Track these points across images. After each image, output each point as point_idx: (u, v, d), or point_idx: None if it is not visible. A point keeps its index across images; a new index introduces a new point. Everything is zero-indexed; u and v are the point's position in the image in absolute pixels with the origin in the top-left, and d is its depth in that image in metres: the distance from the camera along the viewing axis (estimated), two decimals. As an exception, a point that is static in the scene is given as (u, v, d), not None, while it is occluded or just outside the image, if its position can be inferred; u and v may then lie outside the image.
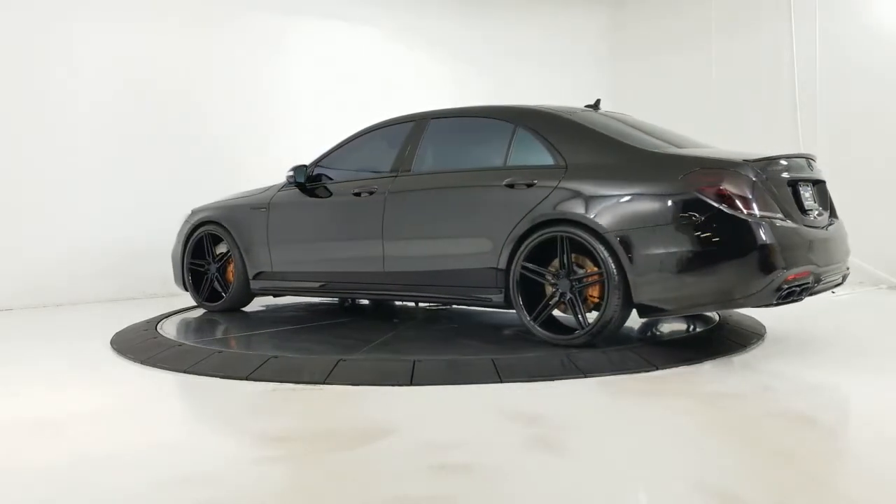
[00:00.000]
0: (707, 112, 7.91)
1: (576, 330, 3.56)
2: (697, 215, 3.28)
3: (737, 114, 7.69)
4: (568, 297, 3.57)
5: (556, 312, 3.73)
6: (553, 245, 3.62)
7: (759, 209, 3.30)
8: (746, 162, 3.43)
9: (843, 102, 6.80)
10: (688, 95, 8.21)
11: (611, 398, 2.92)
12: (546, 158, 3.77)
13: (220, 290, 5.01)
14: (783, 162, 3.60)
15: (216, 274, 4.98)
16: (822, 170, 4.01)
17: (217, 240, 5.01)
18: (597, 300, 3.58)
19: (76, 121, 6.23)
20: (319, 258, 4.51)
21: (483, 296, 3.87)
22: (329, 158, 4.62)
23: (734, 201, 3.28)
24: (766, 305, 3.37)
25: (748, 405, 2.75)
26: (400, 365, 3.31)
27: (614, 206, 3.47)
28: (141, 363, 3.66)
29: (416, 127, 4.32)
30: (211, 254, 4.99)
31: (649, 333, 4.09)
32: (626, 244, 3.38)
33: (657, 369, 3.29)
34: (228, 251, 4.90)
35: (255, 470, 2.16)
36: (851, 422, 2.71)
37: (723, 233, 3.26)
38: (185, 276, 5.07)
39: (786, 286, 3.29)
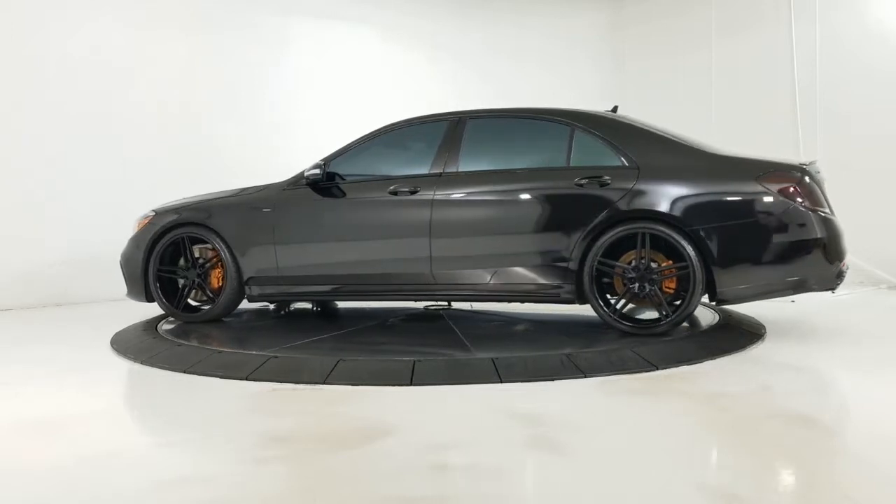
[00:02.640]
0: (707, 112, 7.92)
1: (654, 320, 3.86)
2: (775, 211, 3.71)
3: (737, 114, 7.70)
4: (648, 290, 3.81)
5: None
6: (618, 242, 3.85)
7: (820, 205, 3.80)
8: (803, 165, 3.89)
9: (844, 103, 6.81)
10: (688, 96, 8.22)
11: (611, 398, 2.92)
12: (612, 159, 3.97)
13: (193, 298, 4.60)
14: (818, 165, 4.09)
15: (198, 280, 4.50)
16: (821, 170, 4.20)
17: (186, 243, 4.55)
18: (671, 292, 3.93)
19: (76, 122, 6.23)
20: (342, 260, 4.28)
21: (551, 291, 3.97)
22: (343, 158, 4.40)
23: (804, 199, 3.75)
24: (827, 290, 3.87)
25: (748, 405, 2.75)
26: (400, 365, 3.31)
27: (697, 203, 3.78)
28: (141, 363, 3.66)
29: (452, 126, 4.28)
30: (192, 258, 4.51)
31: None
32: (711, 239, 3.71)
33: (657, 369, 3.29)
34: (216, 255, 4.47)
35: (255, 470, 2.16)
36: (851, 421, 2.71)
37: (798, 226, 3.71)
38: (153, 284, 4.52)
39: (841, 272, 3.84)
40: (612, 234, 3.83)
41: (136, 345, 4.02)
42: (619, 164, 3.94)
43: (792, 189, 3.75)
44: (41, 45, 6.05)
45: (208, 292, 4.54)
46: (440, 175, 4.16)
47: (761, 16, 7.51)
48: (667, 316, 3.79)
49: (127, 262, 4.69)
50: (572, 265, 3.89)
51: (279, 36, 7.35)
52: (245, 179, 5.15)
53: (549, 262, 3.94)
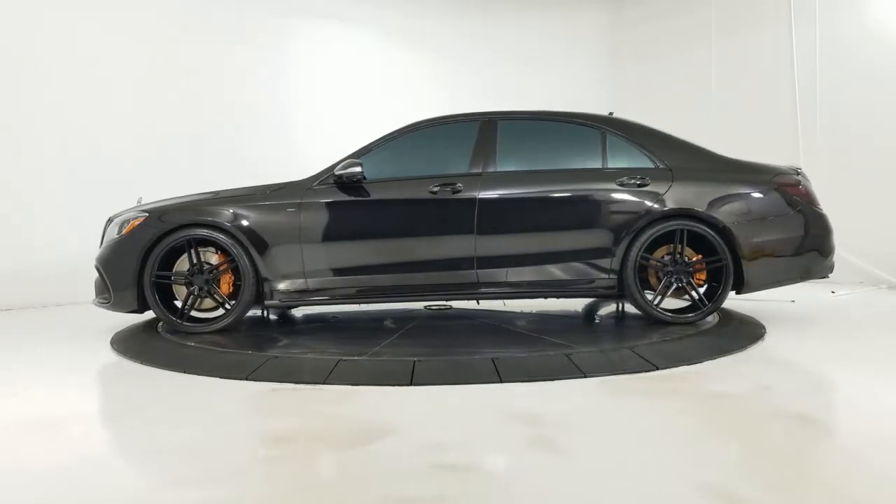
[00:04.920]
0: (707, 113, 7.92)
1: (688, 309, 4.29)
2: (790, 209, 4.28)
3: (737, 115, 7.70)
4: (686, 282, 4.23)
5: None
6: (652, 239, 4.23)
7: (816, 204, 4.38)
8: (798, 169, 4.50)
9: (843, 103, 6.81)
10: (688, 96, 8.22)
11: (611, 398, 2.92)
12: (645, 162, 4.34)
13: (189, 306, 4.23)
14: None
15: (207, 287, 4.22)
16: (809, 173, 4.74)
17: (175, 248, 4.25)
18: (700, 283, 4.31)
19: (77, 122, 6.24)
20: (380, 261, 4.19)
21: (593, 286, 4.24)
22: (369, 156, 4.29)
23: (808, 198, 4.35)
24: (823, 278, 4.45)
25: (748, 405, 2.75)
26: (400, 365, 3.31)
27: (727, 203, 4.24)
28: (141, 363, 3.66)
29: (484, 127, 4.37)
30: (199, 262, 4.21)
31: (648, 333, 4.10)
32: (740, 234, 4.18)
33: (657, 369, 3.30)
34: (225, 258, 4.24)
35: (255, 470, 2.16)
36: (851, 421, 2.70)
37: (806, 222, 4.30)
38: (151, 293, 4.17)
39: (833, 263, 4.42)
40: (654, 230, 4.18)
41: (136, 345, 4.03)
42: (653, 166, 4.30)
43: (799, 189, 4.35)
44: (41, 45, 6.05)
45: (218, 299, 4.25)
46: (480, 174, 4.22)
47: (761, 16, 7.51)
48: (702, 304, 4.21)
49: (111, 268, 4.26)
50: (615, 261, 4.18)
51: (278, 36, 7.36)
52: (244, 180, 5.11)
53: (594, 258, 4.20)
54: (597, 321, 4.77)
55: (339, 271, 4.20)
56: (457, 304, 5.24)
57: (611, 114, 4.69)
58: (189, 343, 3.94)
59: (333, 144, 6.24)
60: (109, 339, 4.28)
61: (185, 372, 3.43)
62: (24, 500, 1.96)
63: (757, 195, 4.29)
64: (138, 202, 4.63)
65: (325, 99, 7.56)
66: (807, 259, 4.31)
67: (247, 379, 3.25)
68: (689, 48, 8.26)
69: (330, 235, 4.21)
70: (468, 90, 8.07)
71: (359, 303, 4.43)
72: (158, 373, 3.48)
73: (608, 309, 5.16)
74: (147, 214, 4.28)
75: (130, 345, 4.05)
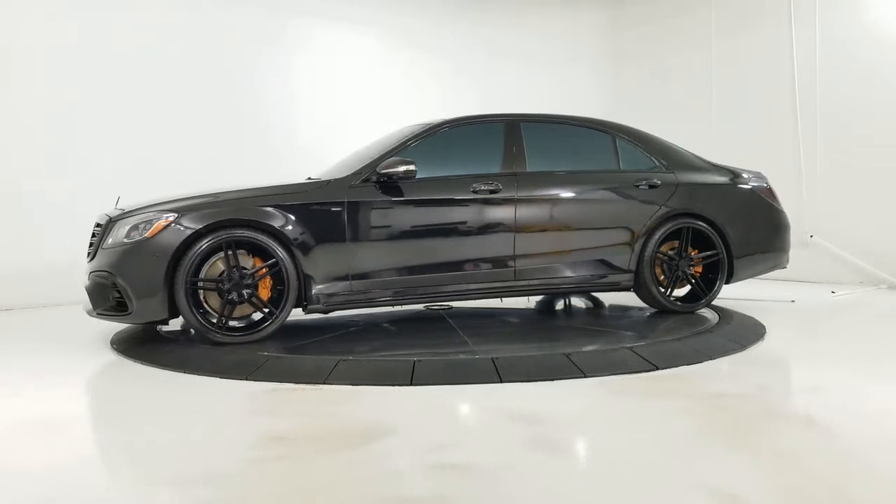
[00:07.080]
0: (707, 114, 7.92)
1: (689, 297, 4.73)
2: (764, 209, 4.86)
3: (736, 115, 7.70)
4: (689, 274, 4.63)
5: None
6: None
7: (780, 204, 4.96)
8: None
9: (843, 103, 6.81)
10: (687, 96, 8.22)
11: (611, 398, 2.92)
12: (651, 164, 4.71)
13: (219, 312, 3.85)
14: None
15: (250, 292, 3.86)
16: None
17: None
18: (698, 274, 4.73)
19: (75, 123, 6.24)
20: (427, 261, 4.13)
21: (614, 280, 4.51)
22: (402, 154, 4.15)
23: (774, 198, 4.95)
24: (782, 269, 5.02)
25: (748, 405, 2.76)
26: (400, 365, 3.31)
27: (721, 203, 4.72)
28: (141, 363, 3.66)
29: (509, 128, 4.48)
30: (238, 266, 3.84)
31: (648, 333, 4.10)
32: (732, 232, 4.65)
33: (657, 369, 3.30)
34: (273, 262, 3.88)
35: (255, 470, 2.16)
36: (851, 421, 2.70)
37: (777, 220, 4.90)
38: (187, 300, 3.76)
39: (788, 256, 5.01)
40: (666, 228, 4.53)
41: (136, 345, 4.02)
42: (660, 168, 4.67)
43: (769, 191, 4.92)
44: (41, 45, 6.05)
45: (259, 305, 3.92)
46: (515, 174, 4.33)
47: (761, 16, 7.51)
48: (705, 294, 4.65)
49: (131, 274, 3.78)
50: (634, 256, 4.48)
51: (278, 37, 7.35)
52: (245, 179, 5.06)
53: (618, 254, 4.48)
54: (558, 315, 5.03)
55: (385, 272, 4.09)
56: (456, 304, 5.23)
57: None
58: (189, 343, 3.93)
59: (334, 144, 6.25)
60: (109, 339, 4.28)
61: (185, 372, 3.43)
62: (24, 500, 1.96)
63: (742, 197, 4.83)
64: (117, 202, 4.45)
65: (325, 99, 7.56)
66: (776, 252, 4.89)
67: (247, 379, 3.25)
68: (689, 48, 8.26)
69: (379, 235, 4.10)
70: (468, 90, 8.07)
71: (395, 304, 4.33)
72: (158, 373, 3.48)
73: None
74: (176, 214, 3.84)
75: (130, 345, 4.04)
